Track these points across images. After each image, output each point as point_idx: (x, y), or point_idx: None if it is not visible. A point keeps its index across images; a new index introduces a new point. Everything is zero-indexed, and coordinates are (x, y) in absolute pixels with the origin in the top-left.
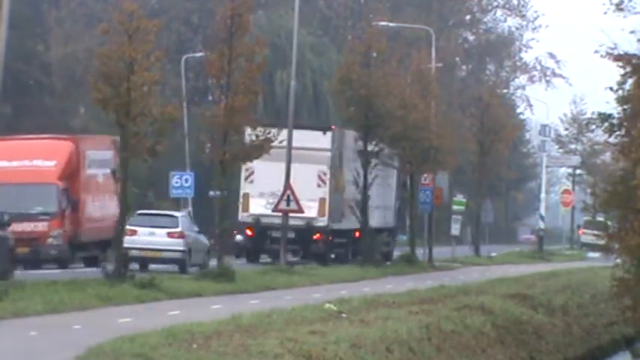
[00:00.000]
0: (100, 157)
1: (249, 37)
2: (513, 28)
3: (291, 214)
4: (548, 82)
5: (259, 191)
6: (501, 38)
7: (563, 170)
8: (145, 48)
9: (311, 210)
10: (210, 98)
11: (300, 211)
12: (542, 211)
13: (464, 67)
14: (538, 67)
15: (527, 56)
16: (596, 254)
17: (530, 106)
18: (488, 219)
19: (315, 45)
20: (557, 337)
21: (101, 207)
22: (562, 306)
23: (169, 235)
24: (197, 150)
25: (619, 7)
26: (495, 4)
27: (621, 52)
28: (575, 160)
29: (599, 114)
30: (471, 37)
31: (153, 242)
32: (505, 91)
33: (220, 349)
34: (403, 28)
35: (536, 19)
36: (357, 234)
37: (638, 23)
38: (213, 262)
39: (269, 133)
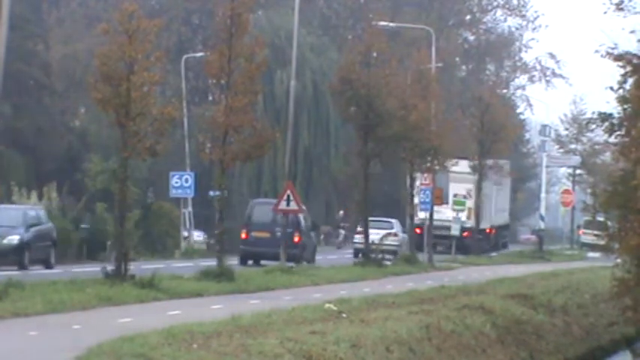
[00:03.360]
0: None
1: (249, 37)
2: (513, 28)
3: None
4: (548, 82)
5: None
6: (501, 38)
7: (563, 170)
8: (145, 48)
9: (462, 215)
10: (210, 98)
11: (300, 211)
12: (542, 211)
13: (464, 67)
14: (538, 67)
15: (527, 56)
16: (596, 254)
17: (530, 106)
18: None
19: (315, 45)
20: (557, 337)
21: None
22: (562, 306)
23: (388, 234)
24: (197, 150)
25: (619, 7)
26: (495, 4)
27: (621, 52)
28: (575, 160)
29: (600, 114)
30: (471, 37)
31: (377, 239)
32: (505, 91)
33: (220, 349)
34: (403, 28)
35: (536, 19)
36: (489, 230)
37: (638, 23)
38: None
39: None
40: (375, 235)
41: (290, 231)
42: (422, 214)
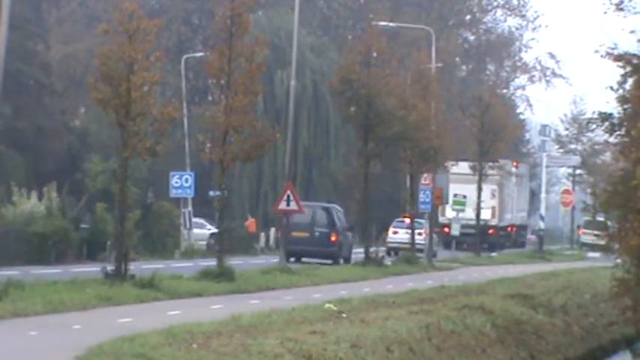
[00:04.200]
0: None
1: (249, 37)
2: (513, 28)
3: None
4: (548, 82)
5: None
6: (501, 38)
7: (563, 170)
8: (145, 48)
9: (487, 213)
10: (210, 98)
11: (301, 211)
12: (543, 211)
13: (464, 67)
14: (538, 67)
15: (527, 56)
16: (596, 254)
17: (530, 106)
18: None
19: (315, 45)
20: (557, 337)
21: None
22: (562, 306)
23: (418, 234)
24: (197, 150)
25: (619, 7)
26: (495, 4)
27: (621, 52)
28: (575, 160)
29: (600, 113)
30: (471, 37)
31: (409, 238)
32: (505, 91)
33: (220, 349)
34: (403, 28)
35: (536, 19)
36: (510, 228)
37: (638, 23)
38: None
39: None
40: (404, 234)
41: (327, 231)
42: (449, 214)
